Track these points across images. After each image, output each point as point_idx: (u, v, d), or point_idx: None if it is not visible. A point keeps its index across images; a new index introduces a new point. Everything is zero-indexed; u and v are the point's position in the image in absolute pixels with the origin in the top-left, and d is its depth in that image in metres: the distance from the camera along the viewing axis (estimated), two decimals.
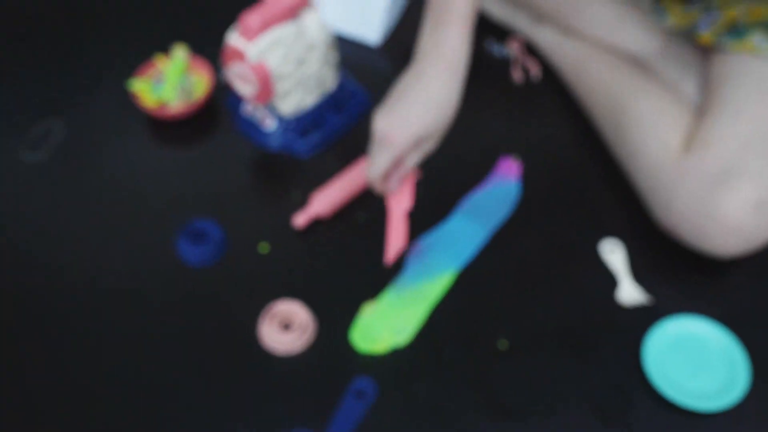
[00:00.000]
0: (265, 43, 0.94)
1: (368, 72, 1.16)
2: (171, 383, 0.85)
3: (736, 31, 0.94)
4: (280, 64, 0.97)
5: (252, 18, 0.93)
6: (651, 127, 0.95)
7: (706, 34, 0.97)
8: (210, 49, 1.15)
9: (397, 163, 0.81)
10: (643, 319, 0.89)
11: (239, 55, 0.95)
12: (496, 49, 1.17)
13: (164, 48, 1.12)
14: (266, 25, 0.94)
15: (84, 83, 1.15)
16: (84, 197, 1.02)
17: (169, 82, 1.07)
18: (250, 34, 0.94)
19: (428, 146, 0.80)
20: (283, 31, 0.95)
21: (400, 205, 0.85)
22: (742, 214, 0.84)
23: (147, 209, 1.01)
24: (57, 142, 1.07)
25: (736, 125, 0.88)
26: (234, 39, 0.96)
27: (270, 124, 1.05)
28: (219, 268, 0.94)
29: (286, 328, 0.89)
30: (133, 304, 0.92)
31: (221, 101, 1.12)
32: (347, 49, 1.18)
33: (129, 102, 1.09)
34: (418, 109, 0.77)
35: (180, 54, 1.09)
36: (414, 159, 0.82)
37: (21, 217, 1.00)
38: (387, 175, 0.83)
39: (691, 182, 0.87)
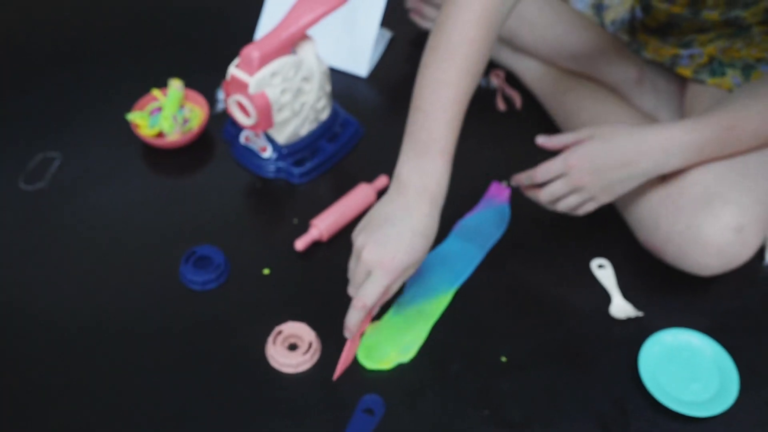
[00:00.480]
0: (266, 74, 0.97)
1: (356, 101, 1.20)
2: (181, 406, 0.86)
3: (715, 68, 1.00)
4: (279, 95, 1.00)
5: (252, 51, 0.97)
6: None
7: (686, 69, 1.03)
8: (204, 83, 1.17)
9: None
10: (637, 332, 0.93)
11: (240, 86, 0.98)
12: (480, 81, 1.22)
13: (160, 83, 1.14)
14: (266, 57, 0.97)
15: (82, 118, 1.16)
16: (84, 225, 1.03)
17: (166, 114, 1.10)
18: (251, 67, 0.97)
19: (409, 274, 0.82)
20: (282, 63, 0.99)
21: (360, 328, 0.87)
22: (723, 238, 0.89)
23: (149, 237, 1.02)
24: (57, 172, 1.08)
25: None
26: (235, 71, 0.99)
27: (267, 152, 1.07)
28: (223, 293, 0.96)
29: (292, 348, 0.90)
30: (139, 331, 0.92)
31: (217, 132, 1.14)
32: (336, 80, 1.22)
33: (127, 136, 1.11)
34: (408, 240, 0.79)
35: (175, 86, 1.12)
36: (397, 285, 0.83)
37: (21, 248, 1.00)
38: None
39: (675, 207, 0.91)
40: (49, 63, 1.24)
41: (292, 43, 1.00)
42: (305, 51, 1.02)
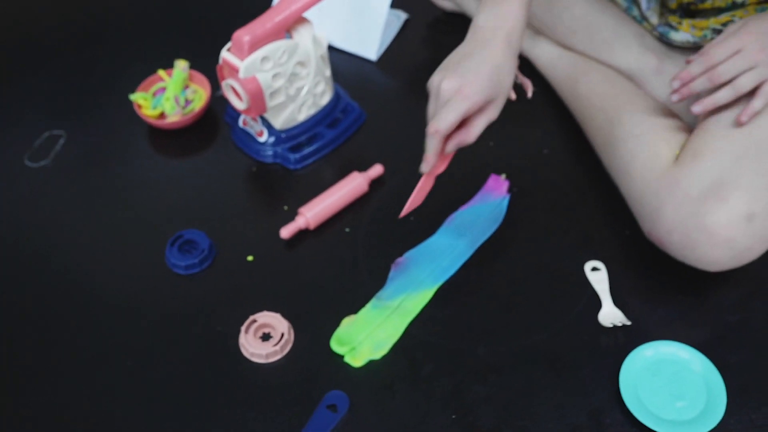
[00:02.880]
0: (256, 58, 0.96)
1: (363, 86, 1.17)
2: (149, 388, 0.87)
3: None
4: (271, 80, 0.99)
5: (243, 35, 0.95)
6: (642, 138, 0.94)
7: None
8: (212, 65, 1.17)
9: (462, 124, 0.81)
10: (625, 342, 0.88)
11: (232, 71, 0.98)
12: None
13: (169, 64, 1.15)
14: (257, 42, 0.96)
15: (90, 97, 1.18)
16: (83, 203, 1.05)
17: (169, 94, 1.10)
18: (242, 51, 0.96)
19: (492, 113, 0.81)
20: (274, 47, 0.97)
21: (436, 170, 0.85)
22: (732, 227, 0.83)
23: (142, 216, 1.03)
24: (61, 150, 1.10)
25: (730, 137, 0.86)
26: (227, 54, 0.98)
27: (264, 137, 1.06)
28: (206, 278, 0.96)
29: (266, 338, 0.90)
30: (121, 311, 0.94)
31: (222, 114, 1.14)
32: (344, 63, 1.20)
33: (133, 117, 1.12)
34: (487, 70, 0.79)
35: (180, 67, 1.12)
36: (481, 125, 0.81)
37: (23, 220, 1.03)
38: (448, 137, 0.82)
39: (682, 192, 0.85)
40: (60, 43, 1.27)
41: (285, 26, 0.98)
42: (301, 35, 1.00)
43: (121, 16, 1.31)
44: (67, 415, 0.85)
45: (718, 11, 0.99)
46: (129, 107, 1.13)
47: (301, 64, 1.01)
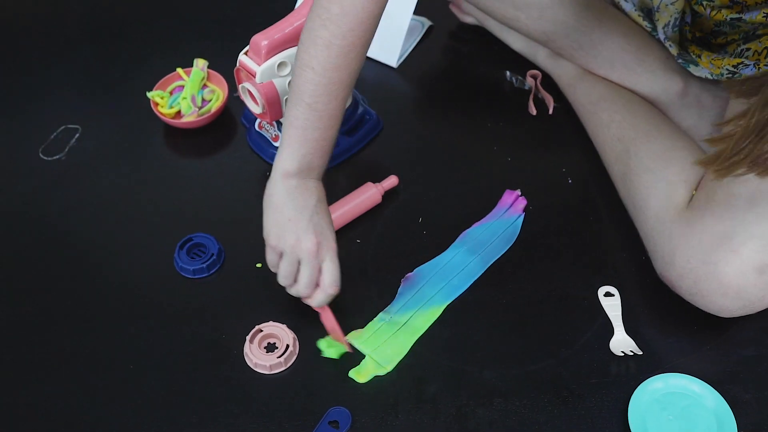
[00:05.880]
0: (273, 63, 0.95)
1: (383, 92, 1.16)
2: (149, 393, 0.86)
3: None
4: (288, 86, 0.97)
5: (261, 39, 0.94)
6: (659, 173, 0.92)
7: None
8: (230, 65, 1.16)
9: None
10: (636, 372, 0.86)
11: (249, 74, 0.96)
12: (514, 80, 1.15)
13: (189, 63, 1.14)
14: (275, 47, 0.95)
15: (109, 92, 1.18)
16: (94, 200, 1.04)
17: (186, 94, 1.09)
18: (259, 55, 0.95)
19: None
20: (291, 53, 0.96)
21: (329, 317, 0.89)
22: (743, 276, 0.81)
23: (153, 216, 1.02)
24: (76, 144, 1.10)
25: (747, 182, 0.84)
26: (244, 58, 0.96)
27: (279, 141, 1.05)
28: (214, 283, 0.95)
29: (270, 348, 0.89)
30: (125, 311, 0.93)
31: (238, 115, 1.13)
32: (364, 68, 1.18)
33: (149, 113, 1.11)
34: (326, 221, 0.86)
35: (199, 66, 1.11)
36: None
37: (33, 214, 1.03)
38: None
39: (694, 238, 0.84)
40: (83, 36, 1.26)
41: None
42: None
43: (143, 12, 1.30)
44: (62, 414, 0.85)
45: (733, 42, 0.96)
46: (147, 104, 1.12)
47: None
